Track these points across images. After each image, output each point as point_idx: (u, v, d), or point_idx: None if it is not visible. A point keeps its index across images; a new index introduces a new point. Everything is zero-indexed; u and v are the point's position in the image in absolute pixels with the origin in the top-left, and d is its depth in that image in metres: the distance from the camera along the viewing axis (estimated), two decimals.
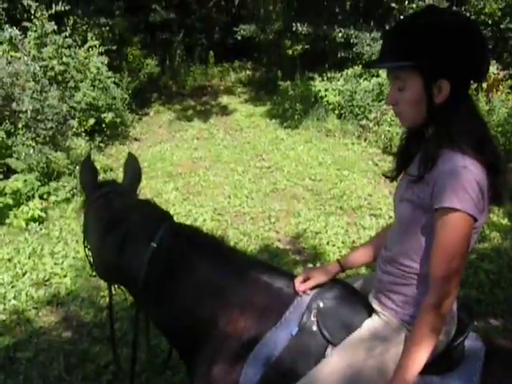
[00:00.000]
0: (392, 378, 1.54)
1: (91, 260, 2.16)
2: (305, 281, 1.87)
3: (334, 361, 1.65)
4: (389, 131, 7.69)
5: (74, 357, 3.43)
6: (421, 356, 1.50)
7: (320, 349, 1.71)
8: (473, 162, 1.46)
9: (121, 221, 1.97)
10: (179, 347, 2.08)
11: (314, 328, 1.74)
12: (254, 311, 1.82)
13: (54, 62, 7.13)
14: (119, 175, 6.67)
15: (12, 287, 4.21)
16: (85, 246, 2.16)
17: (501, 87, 7.79)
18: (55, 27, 7.24)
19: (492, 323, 3.70)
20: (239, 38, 11.00)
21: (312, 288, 1.84)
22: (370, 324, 1.73)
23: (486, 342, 1.75)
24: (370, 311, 1.79)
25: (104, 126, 7.81)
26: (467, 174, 1.44)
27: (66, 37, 7.41)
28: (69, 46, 7.51)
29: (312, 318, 1.75)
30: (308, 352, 1.71)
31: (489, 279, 4.22)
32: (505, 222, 5.25)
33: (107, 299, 3.96)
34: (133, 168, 2.13)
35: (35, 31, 7.15)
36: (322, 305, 1.77)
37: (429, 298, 1.50)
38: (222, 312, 1.84)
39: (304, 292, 1.84)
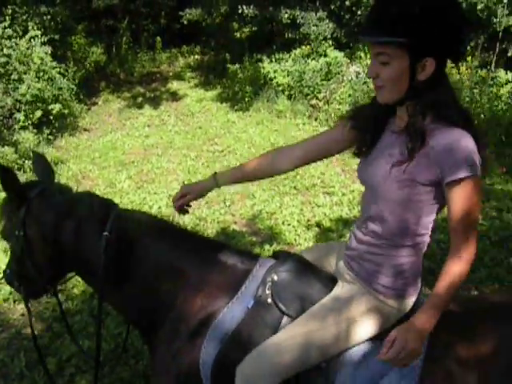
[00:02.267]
0: (411, 325, 1.58)
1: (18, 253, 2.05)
2: (182, 198, 1.99)
3: (291, 329, 1.72)
4: (339, 109, 7.80)
5: (34, 353, 3.39)
6: (444, 305, 1.58)
7: (275, 320, 1.78)
8: (465, 133, 1.53)
9: (70, 212, 1.96)
10: (140, 329, 2.12)
11: (269, 300, 1.80)
12: (210, 289, 1.87)
13: None
14: (71, 167, 6.59)
15: None
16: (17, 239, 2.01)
17: None
18: None
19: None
20: (186, 22, 10.89)
21: (187, 205, 2.02)
22: (336, 291, 1.80)
23: None
24: (325, 282, 1.86)
25: (52, 117, 7.62)
26: (468, 143, 1.51)
27: (5, 27, 7.19)
28: (9, 37, 7.28)
29: (267, 291, 1.81)
30: (264, 324, 1.77)
31: (440, 248, 4.37)
32: None
33: (66, 293, 3.96)
34: (43, 166, 2.14)
35: None
36: (276, 278, 1.83)
37: (461, 258, 1.57)
38: (179, 292, 1.89)
39: (181, 209, 2.03)
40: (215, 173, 2.04)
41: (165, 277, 1.91)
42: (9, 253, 2.23)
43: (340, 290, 1.80)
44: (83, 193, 2.14)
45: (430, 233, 1.71)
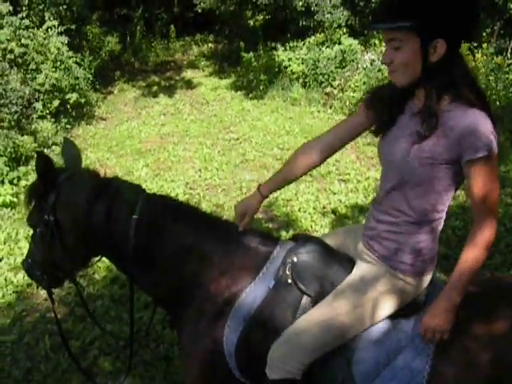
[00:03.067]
0: (435, 311, 1.71)
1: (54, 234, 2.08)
2: (241, 220, 2.05)
3: (317, 312, 1.79)
4: (353, 97, 7.81)
5: (58, 336, 3.49)
6: (463, 288, 1.68)
7: (295, 300, 1.85)
8: (483, 113, 1.58)
9: (100, 196, 2.01)
10: (167, 309, 2.19)
11: (289, 280, 1.87)
12: (233, 270, 1.94)
13: (13, 44, 6.97)
14: (88, 155, 6.68)
15: None
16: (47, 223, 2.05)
17: None
18: (10, 8, 7.08)
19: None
20: (199, 10, 10.91)
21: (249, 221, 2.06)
22: (357, 272, 1.86)
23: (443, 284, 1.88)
24: (343, 263, 1.92)
25: (69, 107, 7.72)
26: (487, 123, 1.57)
27: (22, 18, 7.25)
28: (26, 27, 7.34)
29: (287, 272, 1.88)
30: (284, 303, 1.85)
31: (455, 235, 4.40)
32: None
33: (87, 278, 4.05)
34: (72, 151, 2.18)
35: None
36: (295, 259, 1.90)
37: (476, 245, 1.65)
38: (204, 273, 1.96)
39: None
40: (259, 185, 2.10)
41: (191, 258, 1.98)
42: (30, 241, 2.26)
43: (361, 270, 1.85)
44: (111, 177, 2.18)
45: (445, 212, 1.76)
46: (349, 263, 1.93)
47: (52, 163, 2.05)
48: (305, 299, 1.85)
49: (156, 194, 2.20)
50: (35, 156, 2.03)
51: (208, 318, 1.91)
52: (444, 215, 1.76)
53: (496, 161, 1.61)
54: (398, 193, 1.75)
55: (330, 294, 1.81)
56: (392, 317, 1.80)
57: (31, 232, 2.22)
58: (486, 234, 1.63)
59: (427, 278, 1.81)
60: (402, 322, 1.80)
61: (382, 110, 1.83)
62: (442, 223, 1.78)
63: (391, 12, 1.59)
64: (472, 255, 1.65)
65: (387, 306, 1.78)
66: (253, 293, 1.88)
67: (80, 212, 2.01)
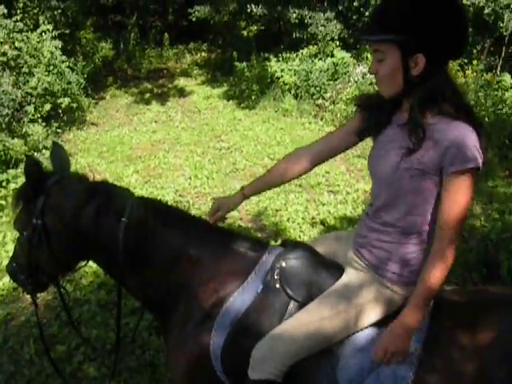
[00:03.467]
0: (396, 327, 1.72)
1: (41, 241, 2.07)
2: (215, 213, 2.13)
3: (303, 316, 1.80)
4: (345, 109, 7.87)
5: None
6: (425, 304, 1.71)
7: (283, 305, 1.86)
8: (468, 127, 1.61)
9: (89, 200, 2.01)
10: (154, 313, 2.20)
11: (277, 285, 1.88)
12: (222, 274, 1.95)
13: (6, 46, 6.96)
14: (78, 160, 6.66)
15: None
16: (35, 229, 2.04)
17: None
18: (5, 11, 7.07)
19: (445, 289, 3.89)
20: (194, 19, 10.95)
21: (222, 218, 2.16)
22: (345, 278, 1.88)
23: None
24: (331, 270, 1.94)
25: (60, 111, 7.71)
26: (471, 136, 1.59)
27: (16, 21, 7.25)
28: (20, 31, 7.34)
29: (275, 277, 1.89)
30: (272, 308, 1.86)
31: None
32: None
33: (73, 283, 4.03)
34: (60, 156, 2.17)
35: None
36: (284, 264, 1.91)
37: (444, 262, 1.66)
38: (193, 277, 1.97)
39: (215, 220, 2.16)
40: (242, 187, 2.18)
41: (180, 262, 1.99)
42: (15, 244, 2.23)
43: (349, 277, 1.87)
44: (100, 181, 2.18)
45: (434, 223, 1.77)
46: (337, 270, 1.95)
47: (41, 167, 2.05)
48: (292, 304, 1.86)
49: (145, 197, 2.21)
50: (25, 159, 2.02)
51: (195, 321, 1.91)
52: (434, 227, 1.77)
53: (475, 177, 1.63)
54: (388, 204, 1.79)
55: (317, 299, 1.83)
56: (378, 324, 1.81)
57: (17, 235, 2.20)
58: (450, 252, 1.66)
59: (413, 288, 1.83)
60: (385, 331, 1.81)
61: (369, 117, 1.88)
62: (432, 236, 1.79)
63: (376, 25, 1.67)
64: (436, 274, 1.67)
65: (373, 314, 1.80)
66: (240, 297, 1.89)
67: (69, 215, 2.01)
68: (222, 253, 2.00)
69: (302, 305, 1.85)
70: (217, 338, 1.85)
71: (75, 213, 2.00)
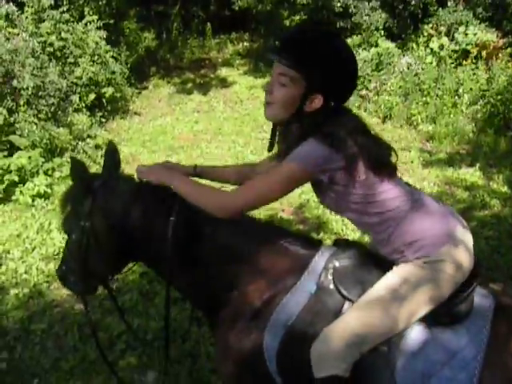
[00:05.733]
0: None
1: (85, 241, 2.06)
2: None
3: (350, 317, 1.75)
4: (388, 101, 7.72)
5: (87, 328, 3.52)
6: (181, 187, 1.90)
7: (337, 305, 1.81)
8: (316, 141, 1.69)
9: (136, 200, 2.01)
10: (202, 308, 2.17)
11: (331, 286, 1.83)
12: (274, 273, 1.91)
13: (53, 37, 7.11)
14: (121, 149, 6.71)
15: (22, 262, 4.30)
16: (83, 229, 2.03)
17: (500, 55, 7.77)
18: (52, 2, 7.21)
19: (492, 288, 3.79)
20: (236, 8, 10.92)
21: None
22: (389, 277, 1.82)
23: (495, 298, 1.82)
24: (385, 268, 1.87)
25: (104, 100, 7.83)
26: (311, 146, 1.69)
27: (63, 12, 7.38)
28: (66, 21, 7.48)
29: (329, 277, 1.84)
30: (326, 309, 1.81)
31: (488, 245, 4.30)
32: (504, 189, 5.32)
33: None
34: (113, 157, 2.15)
35: (32, 7, 7.12)
36: (337, 264, 1.87)
37: (231, 196, 1.83)
38: (244, 275, 1.93)
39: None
40: (195, 165, 2.22)
41: (230, 261, 1.95)
42: (64, 247, 2.22)
43: (395, 271, 1.83)
44: (146, 181, 2.18)
45: (394, 197, 1.79)
46: (389, 267, 1.89)
47: (86, 168, 2.04)
48: (347, 305, 1.81)
49: None
50: (70, 149, 2.03)
51: (246, 319, 1.88)
52: (393, 202, 1.79)
53: (295, 172, 1.71)
54: (350, 219, 1.92)
55: (369, 294, 1.78)
56: (435, 323, 1.75)
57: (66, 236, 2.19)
58: (236, 200, 1.80)
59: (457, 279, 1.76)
60: (442, 331, 1.75)
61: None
62: (401, 208, 1.80)
63: (292, 54, 1.72)
64: (205, 194, 1.86)
65: (426, 300, 1.74)
66: (294, 298, 1.84)
67: (116, 217, 2.00)
68: (273, 251, 1.96)
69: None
70: (270, 338, 1.80)
71: (123, 214, 1.99)
